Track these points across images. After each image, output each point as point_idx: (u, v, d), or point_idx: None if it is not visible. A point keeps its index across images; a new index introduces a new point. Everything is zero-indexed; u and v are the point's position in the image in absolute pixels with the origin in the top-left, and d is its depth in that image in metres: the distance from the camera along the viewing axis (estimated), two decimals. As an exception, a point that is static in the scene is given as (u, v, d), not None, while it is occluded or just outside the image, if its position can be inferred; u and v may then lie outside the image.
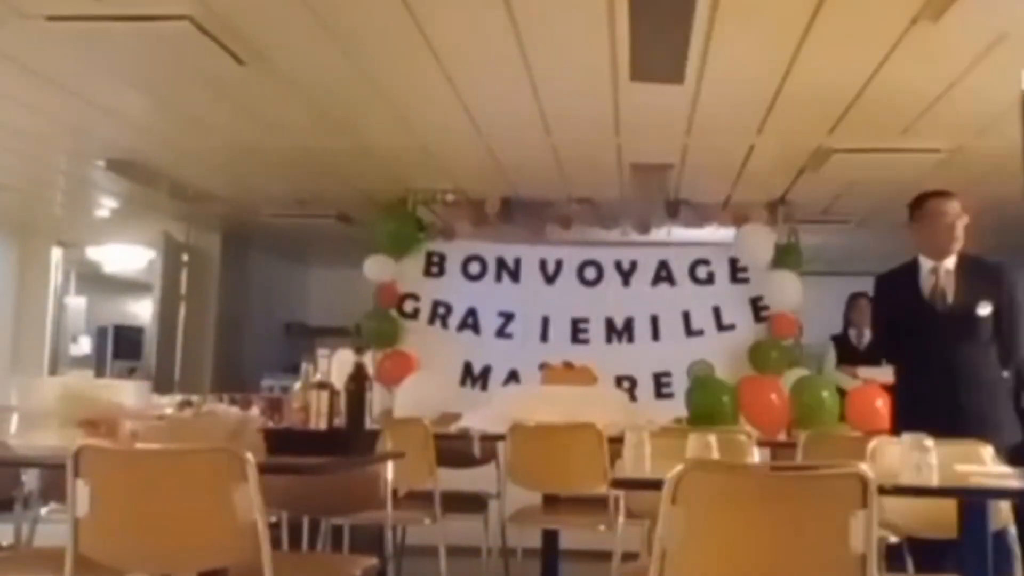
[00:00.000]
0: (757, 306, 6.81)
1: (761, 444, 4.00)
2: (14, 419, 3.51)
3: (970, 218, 3.84)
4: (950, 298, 3.81)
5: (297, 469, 2.67)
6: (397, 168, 6.30)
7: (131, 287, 9.71)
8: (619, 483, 3.34)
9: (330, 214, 7.52)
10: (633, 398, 6.47)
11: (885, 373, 5.13)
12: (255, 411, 3.21)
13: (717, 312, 6.85)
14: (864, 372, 6.15)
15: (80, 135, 5.58)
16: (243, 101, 4.92)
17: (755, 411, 6.06)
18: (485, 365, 6.87)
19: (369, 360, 5.12)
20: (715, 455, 2.71)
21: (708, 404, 5.91)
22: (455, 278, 7.06)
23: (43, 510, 3.66)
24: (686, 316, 6.86)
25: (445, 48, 4.14)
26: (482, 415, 5.14)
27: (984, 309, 3.77)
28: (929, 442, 2.53)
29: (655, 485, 2.20)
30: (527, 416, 4.38)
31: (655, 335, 6.87)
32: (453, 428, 5.09)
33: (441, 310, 7.00)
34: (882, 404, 5.21)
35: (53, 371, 8.47)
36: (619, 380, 6.55)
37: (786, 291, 6.70)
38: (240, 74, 4.34)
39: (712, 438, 2.76)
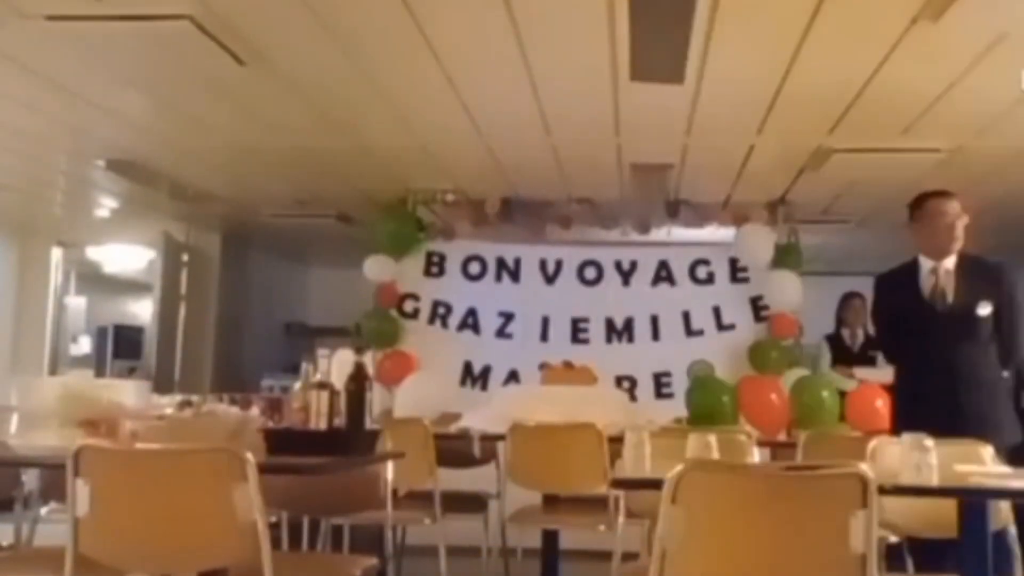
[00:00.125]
0: (757, 306, 6.81)
1: (761, 444, 4.00)
2: (14, 419, 3.51)
3: (970, 218, 3.84)
4: (950, 298, 3.81)
5: (297, 469, 2.67)
6: (397, 168, 6.30)
7: (131, 287, 9.71)
8: (619, 483, 3.34)
9: (330, 214, 7.52)
10: (633, 398, 6.47)
11: (882, 374, 5.15)
12: (255, 411, 3.21)
13: (717, 312, 6.85)
14: (861, 373, 6.16)
15: (80, 135, 5.58)
16: (243, 101, 4.92)
17: (755, 411, 6.06)
18: (485, 365, 6.87)
19: (369, 360, 5.12)
20: (715, 455, 2.71)
21: (708, 404, 5.91)
22: (455, 278, 7.06)
23: (43, 510, 3.66)
24: (686, 316, 6.86)
25: (445, 48, 4.14)
26: (482, 415, 5.14)
27: (984, 309, 3.77)
28: (929, 442, 2.53)
29: (655, 485, 2.20)
30: (527, 416, 4.38)
31: (655, 335, 6.87)
32: (453, 428, 5.09)
33: (441, 310, 7.00)
34: (882, 404, 5.22)
35: (53, 371, 8.47)
36: (619, 380, 6.55)
37: (786, 291, 6.70)
38: (240, 74, 4.34)
39: (712, 438, 2.76)
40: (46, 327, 8.67)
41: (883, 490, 2.24)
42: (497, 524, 4.51)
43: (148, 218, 7.82)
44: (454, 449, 4.59)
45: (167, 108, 5.09)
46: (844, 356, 6.50)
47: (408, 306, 6.99)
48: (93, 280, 9.46)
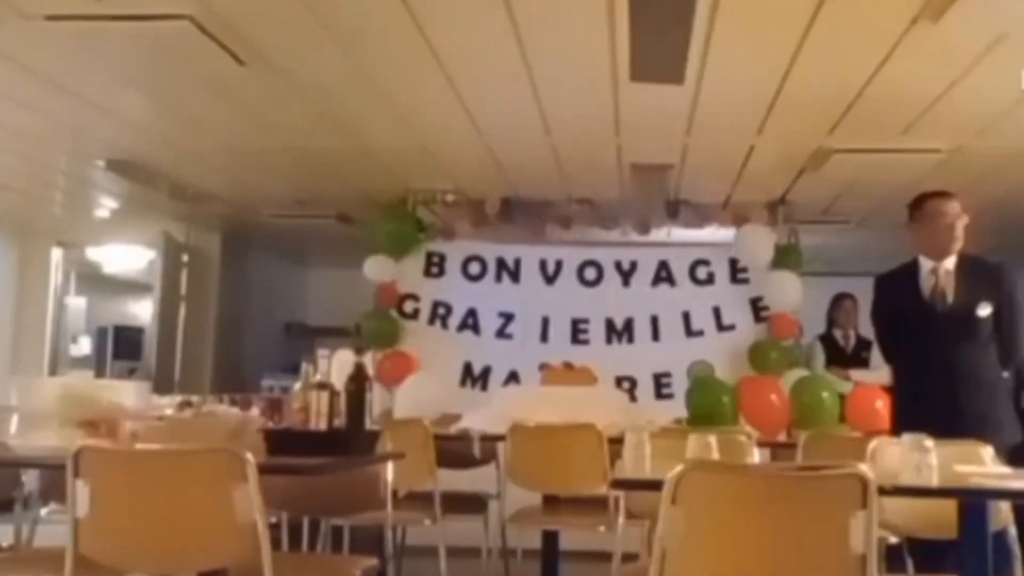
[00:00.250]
0: (757, 306, 6.81)
1: (761, 445, 4.01)
2: (14, 419, 3.51)
3: (970, 218, 3.84)
4: (950, 298, 3.81)
5: (297, 469, 2.67)
6: (397, 168, 6.30)
7: (131, 287, 9.70)
8: (619, 483, 3.34)
9: (330, 214, 7.51)
10: (633, 398, 6.47)
11: (877, 375, 5.15)
12: (255, 411, 3.22)
13: (717, 312, 6.84)
14: (856, 375, 6.16)
15: (80, 135, 5.58)
16: (243, 101, 4.92)
17: (755, 411, 6.06)
18: (485, 365, 6.87)
19: (369, 360, 5.12)
20: (715, 456, 2.71)
21: (708, 404, 5.91)
22: (455, 278, 7.06)
23: (43, 510, 3.66)
24: (686, 316, 6.86)
25: (445, 48, 4.14)
26: (482, 415, 5.14)
27: (984, 309, 3.77)
28: (929, 442, 2.53)
29: (655, 485, 2.20)
30: (527, 416, 4.38)
31: (655, 335, 6.86)
32: (453, 429, 5.09)
33: (441, 310, 7.00)
34: (882, 405, 5.22)
35: (53, 371, 8.47)
36: (619, 380, 6.55)
37: (786, 291, 6.70)
38: (240, 74, 4.34)
39: (712, 439, 2.76)
40: (46, 327, 8.67)
41: (883, 491, 2.24)
42: (497, 525, 4.51)
43: (148, 218, 7.82)
44: (454, 450, 4.59)
45: (167, 108, 5.09)
46: (838, 357, 6.51)
47: (408, 306, 6.99)
48: (93, 280, 9.46)
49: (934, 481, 2.49)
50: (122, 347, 9.94)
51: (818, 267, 7.52)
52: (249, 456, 2.33)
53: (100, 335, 10.00)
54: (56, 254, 8.74)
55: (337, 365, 3.13)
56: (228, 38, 3.95)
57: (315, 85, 4.67)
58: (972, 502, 2.70)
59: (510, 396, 5.81)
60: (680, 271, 6.94)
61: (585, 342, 6.86)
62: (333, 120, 5.22)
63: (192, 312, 8.57)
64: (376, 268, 6.90)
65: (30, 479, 3.65)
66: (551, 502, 4.34)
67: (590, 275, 7.03)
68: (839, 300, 6.66)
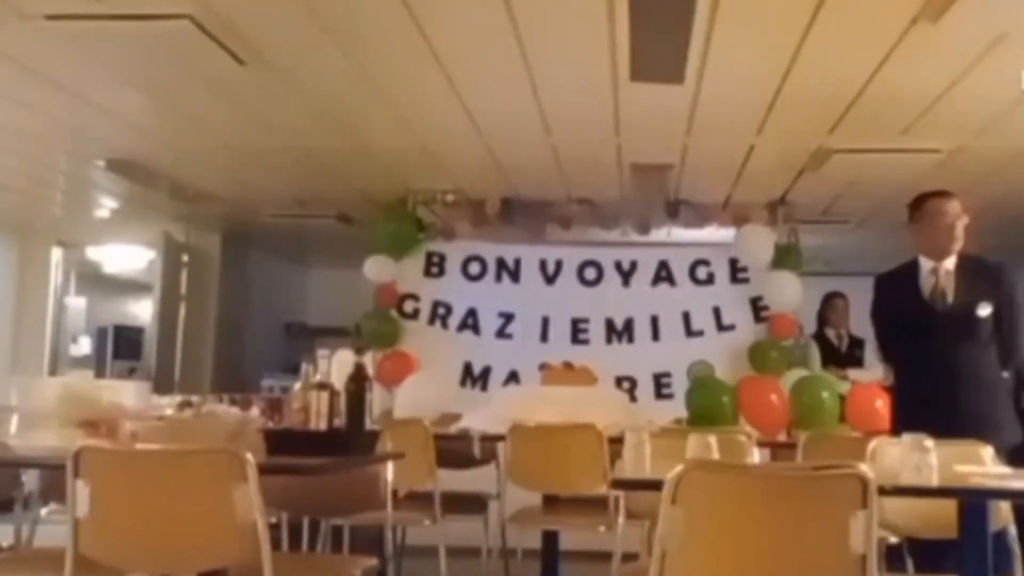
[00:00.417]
0: (757, 306, 6.80)
1: (761, 445, 4.01)
2: (14, 419, 3.51)
3: (970, 218, 3.84)
4: (950, 298, 3.81)
5: (297, 470, 2.67)
6: (397, 168, 6.30)
7: (131, 287, 9.71)
8: (619, 483, 3.34)
9: (330, 214, 7.52)
10: (633, 398, 6.47)
11: (873, 374, 5.15)
12: (255, 411, 3.21)
13: (717, 312, 6.84)
14: (853, 374, 6.16)
15: (80, 135, 5.58)
16: (243, 101, 4.92)
17: (755, 411, 6.06)
18: (485, 365, 6.87)
19: (369, 360, 5.11)
20: (715, 455, 2.71)
21: (708, 404, 5.91)
22: (455, 278, 7.06)
23: (43, 511, 3.65)
24: (686, 316, 6.86)
25: (445, 48, 4.14)
26: (482, 415, 5.14)
27: (984, 309, 3.77)
28: (929, 442, 2.53)
29: (655, 485, 2.20)
30: (527, 416, 4.38)
31: (655, 335, 6.86)
32: (453, 429, 5.09)
33: (441, 310, 7.00)
34: (882, 404, 5.22)
35: (53, 371, 8.47)
36: (619, 380, 6.55)
37: (786, 291, 6.70)
38: (240, 74, 4.34)
39: (712, 439, 2.76)
40: (46, 327, 8.67)
41: (883, 491, 2.24)
42: (497, 525, 4.51)
43: (148, 218, 7.82)
44: (454, 450, 4.59)
45: (167, 108, 5.09)
46: (832, 356, 6.52)
47: (408, 306, 6.99)
48: (93, 280, 9.46)
49: (934, 481, 2.49)
50: (122, 347, 9.94)
51: (818, 267, 7.53)
52: (249, 456, 2.33)
53: (100, 335, 10.01)
54: (56, 254, 8.74)
55: (337, 365, 3.12)
56: (228, 38, 3.95)
57: (315, 85, 4.67)
58: (972, 502, 2.70)
59: (510, 396, 5.81)
60: (680, 271, 6.94)
61: (585, 342, 6.86)
62: (333, 120, 5.22)
63: (192, 312, 8.57)
64: (376, 268, 6.90)
65: (30, 479, 3.65)
66: (551, 502, 4.34)
67: (590, 275, 7.03)
68: (831, 299, 6.67)
